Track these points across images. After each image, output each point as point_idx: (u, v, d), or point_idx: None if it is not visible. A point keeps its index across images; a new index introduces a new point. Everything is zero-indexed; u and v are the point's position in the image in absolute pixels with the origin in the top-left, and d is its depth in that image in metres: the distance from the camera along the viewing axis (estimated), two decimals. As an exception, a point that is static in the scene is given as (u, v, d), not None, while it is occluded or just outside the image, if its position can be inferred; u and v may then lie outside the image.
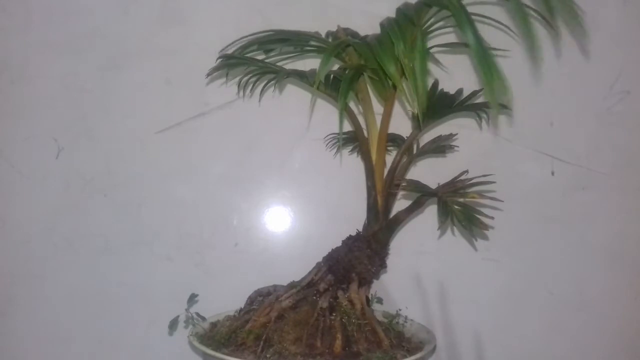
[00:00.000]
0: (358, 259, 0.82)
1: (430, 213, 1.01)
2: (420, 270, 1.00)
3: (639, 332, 1.01)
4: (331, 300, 0.80)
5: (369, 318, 0.79)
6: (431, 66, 0.90)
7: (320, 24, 0.92)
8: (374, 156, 0.84)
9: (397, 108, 0.92)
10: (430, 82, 0.80)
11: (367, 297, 0.84)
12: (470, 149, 1.00)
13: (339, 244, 0.85)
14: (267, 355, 0.74)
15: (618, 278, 1.01)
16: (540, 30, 1.00)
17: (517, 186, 1.00)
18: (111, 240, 0.99)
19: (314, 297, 0.80)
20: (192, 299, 0.87)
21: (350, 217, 0.98)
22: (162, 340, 0.95)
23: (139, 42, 0.99)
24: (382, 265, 0.84)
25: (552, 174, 1.00)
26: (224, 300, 0.88)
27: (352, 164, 0.99)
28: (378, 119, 0.84)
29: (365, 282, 0.82)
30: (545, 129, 1.00)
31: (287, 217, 1.01)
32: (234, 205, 1.00)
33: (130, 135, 0.99)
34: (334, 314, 0.78)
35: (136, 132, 0.99)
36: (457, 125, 0.96)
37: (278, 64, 0.89)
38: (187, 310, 0.86)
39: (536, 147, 1.00)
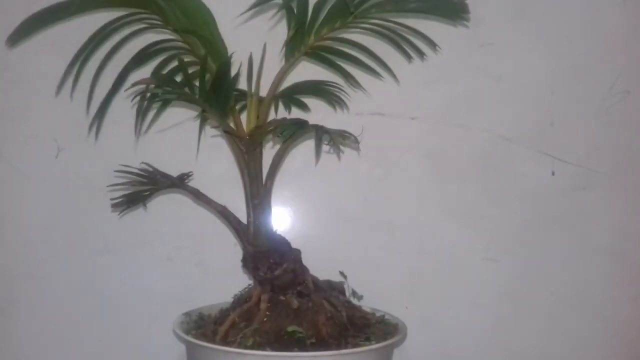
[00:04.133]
0: None
1: (428, 214, 1.01)
2: (420, 270, 1.00)
3: (639, 332, 1.01)
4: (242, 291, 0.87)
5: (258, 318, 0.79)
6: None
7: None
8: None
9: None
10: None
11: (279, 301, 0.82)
12: (470, 148, 1.00)
13: (338, 243, 0.85)
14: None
15: (618, 278, 1.01)
16: (540, 30, 1.00)
17: (517, 186, 1.00)
18: (111, 240, 0.99)
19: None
20: None
21: (350, 216, 0.99)
22: (162, 340, 0.95)
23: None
24: (256, 269, 0.82)
25: (552, 174, 1.00)
26: (224, 300, 0.88)
27: (352, 164, 0.99)
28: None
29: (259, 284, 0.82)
30: (545, 129, 1.00)
31: (287, 217, 1.01)
32: (234, 205, 1.00)
33: (130, 135, 0.99)
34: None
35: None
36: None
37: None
38: None
39: (536, 147, 1.00)
